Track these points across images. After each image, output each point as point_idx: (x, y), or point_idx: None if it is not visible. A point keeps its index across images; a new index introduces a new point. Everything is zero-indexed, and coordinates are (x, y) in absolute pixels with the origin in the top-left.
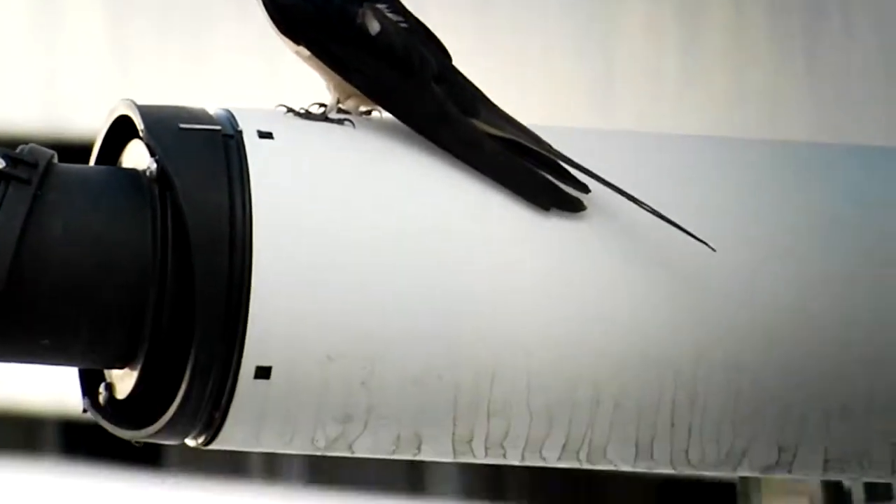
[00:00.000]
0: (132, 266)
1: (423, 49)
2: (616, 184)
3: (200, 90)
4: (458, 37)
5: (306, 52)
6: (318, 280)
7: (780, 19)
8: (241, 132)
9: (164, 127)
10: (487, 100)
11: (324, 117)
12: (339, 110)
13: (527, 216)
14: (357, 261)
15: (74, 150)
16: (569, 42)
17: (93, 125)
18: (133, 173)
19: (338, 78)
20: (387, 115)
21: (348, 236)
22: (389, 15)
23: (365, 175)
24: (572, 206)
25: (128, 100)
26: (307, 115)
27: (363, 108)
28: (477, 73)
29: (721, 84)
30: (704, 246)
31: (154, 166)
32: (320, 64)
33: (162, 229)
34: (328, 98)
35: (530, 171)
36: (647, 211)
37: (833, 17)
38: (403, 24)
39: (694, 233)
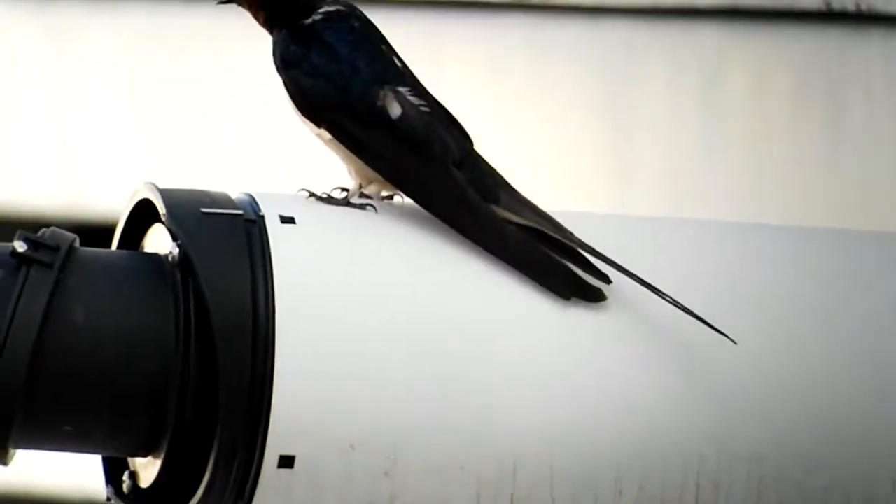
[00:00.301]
0: (154, 353)
1: (445, 133)
2: (637, 273)
3: (220, 172)
4: (475, 105)
5: (327, 136)
6: (340, 368)
7: (801, 95)
8: (263, 217)
9: (187, 211)
10: (509, 185)
11: (346, 202)
12: (362, 195)
13: (547, 305)
14: (379, 349)
15: (94, 232)
16: (587, 112)
17: (113, 206)
18: (155, 258)
19: (359, 162)
20: (408, 200)
21: (370, 324)
22: (411, 98)
23: (386, 262)
24: (593, 296)
25: (150, 183)
26: (329, 200)
27: (385, 193)
28: (492, 141)
29: (742, 157)
30: (725, 337)
31: (176, 251)
32: (341, 147)
33: (184, 315)
34: (350, 182)
35: (551, 260)
36: (668, 302)
37: (855, 102)
38: (425, 108)
39: (714, 324)
